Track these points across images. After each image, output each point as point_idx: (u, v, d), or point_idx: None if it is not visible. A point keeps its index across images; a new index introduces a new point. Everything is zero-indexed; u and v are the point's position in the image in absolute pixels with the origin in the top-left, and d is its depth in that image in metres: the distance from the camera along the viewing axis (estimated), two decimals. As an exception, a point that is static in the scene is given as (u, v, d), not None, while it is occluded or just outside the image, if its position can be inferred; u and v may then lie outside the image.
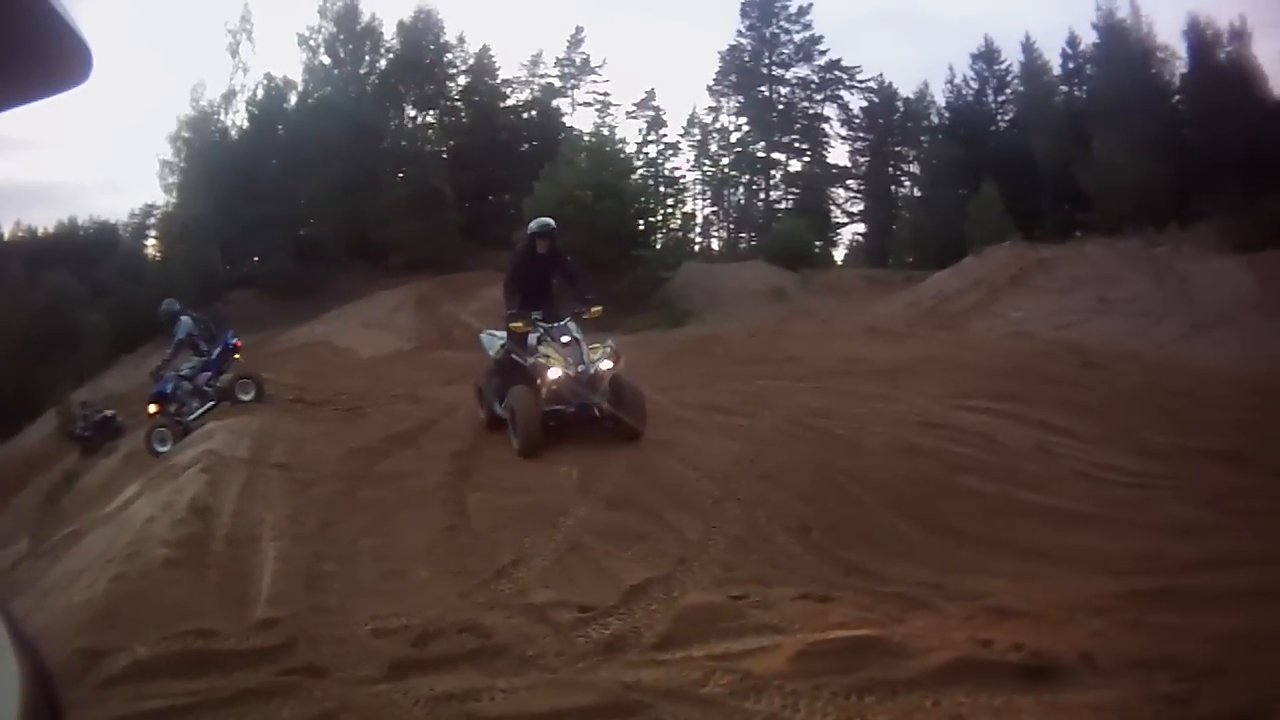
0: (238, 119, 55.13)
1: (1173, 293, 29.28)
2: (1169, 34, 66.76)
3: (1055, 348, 24.70)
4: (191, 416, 19.69)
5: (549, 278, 15.50)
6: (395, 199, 51.36)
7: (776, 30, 68.02)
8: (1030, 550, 10.08)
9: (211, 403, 20.26)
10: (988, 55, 63.55)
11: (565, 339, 14.21)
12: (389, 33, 58.54)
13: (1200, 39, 51.86)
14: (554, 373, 13.87)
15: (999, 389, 18.58)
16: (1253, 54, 51.01)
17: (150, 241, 59.94)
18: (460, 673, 6.78)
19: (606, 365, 14.13)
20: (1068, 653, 6.50)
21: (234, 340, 21.37)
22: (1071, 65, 60.18)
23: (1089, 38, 57.67)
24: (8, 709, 1.61)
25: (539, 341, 14.33)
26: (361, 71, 56.86)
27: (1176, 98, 53.10)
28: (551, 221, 15.63)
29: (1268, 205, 38.78)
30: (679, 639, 7.37)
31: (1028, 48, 60.68)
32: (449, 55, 60.55)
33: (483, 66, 61.48)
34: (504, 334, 15.22)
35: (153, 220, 59.93)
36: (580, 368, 13.91)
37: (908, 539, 10.87)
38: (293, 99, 56.43)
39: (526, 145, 59.16)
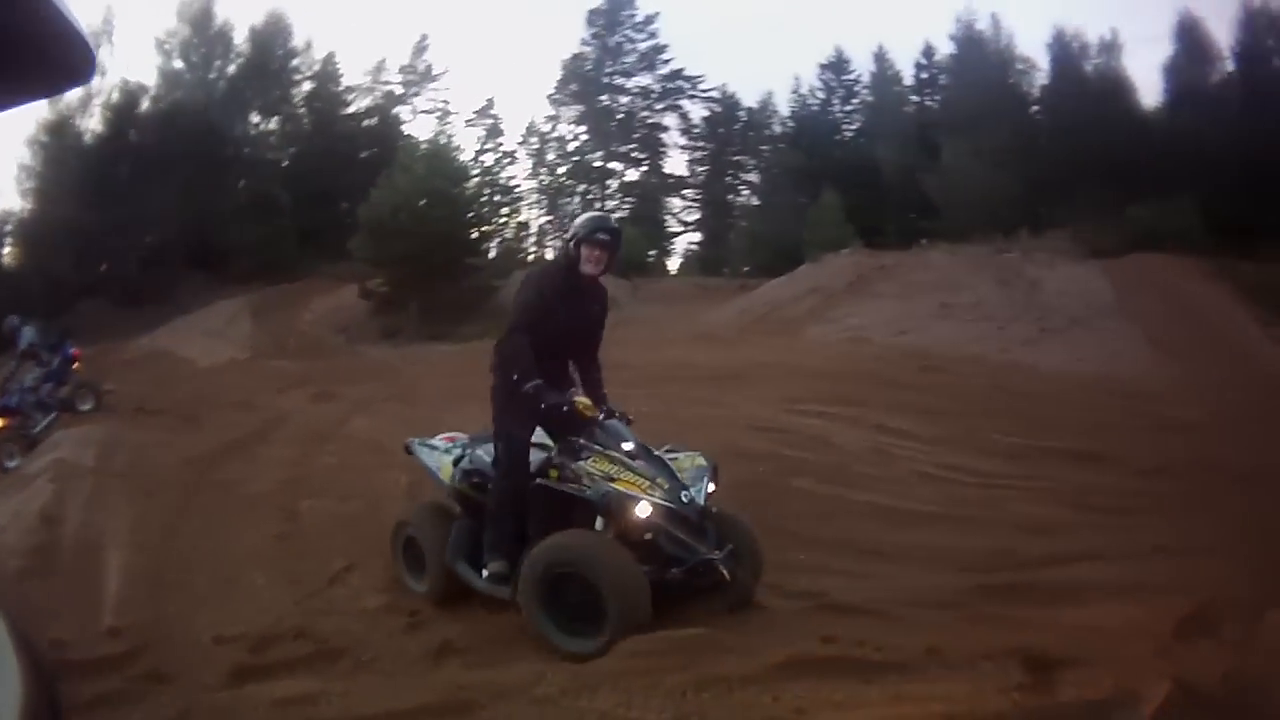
0: (93, 123, 53.20)
1: (1020, 298, 29.73)
2: (1032, 46, 67.85)
3: (893, 352, 24.93)
4: (36, 429, 19.34)
5: (588, 326, 8.85)
6: (236, 206, 50.55)
7: (621, 39, 67.97)
8: (870, 550, 9.85)
9: (54, 414, 19.91)
10: (837, 65, 63.86)
11: (628, 445, 8.04)
12: (240, 37, 57.03)
13: (1064, 51, 52.83)
14: (644, 509, 7.60)
15: (833, 393, 18.61)
16: (1122, 65, 52.09)
17: (6, 250, 58.47)
18: (298, 678, 6.90)
19: (711, 488, 8.16)
20: (912, 646, 6.49)
21: (72, 350, 21.07)
22: (925, 76, 61.18)
23: (946, 49, 58.62)
24: (8, 708, 1.65)
25: (576, 453, 8.10)
26: (211, 76, 55.15)
27: (1035, 108, 54.09)
28: (613, 220, 9.04)
29: (1127, 212, 39.89)
30: (513, 640, 7.50)
31: (879, 58, 61.48)
32: (295, 61, 59.46)
33: (327, 73, 60.59)
34: (451, 445, 9.55)
35: (9, 228, 58.43)
36: (685, 496, 7.76)
37: (740, 541, 10.71)
38: (146, 104, 54.59)
39: (365, 153, 57.91)
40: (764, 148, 64.75)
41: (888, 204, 51.44)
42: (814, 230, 44.28)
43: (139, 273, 46.33)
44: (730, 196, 68.61)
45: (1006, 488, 12.49)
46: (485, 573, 8.24)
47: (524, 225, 66.17)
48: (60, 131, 49.78)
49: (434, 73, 65.36)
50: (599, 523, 7.79)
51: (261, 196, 50.01)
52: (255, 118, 56.62)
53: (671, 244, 69.25)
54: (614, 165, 68.22)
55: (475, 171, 53.10)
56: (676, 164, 69.85)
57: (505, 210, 58.56)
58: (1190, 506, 11.09)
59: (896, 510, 11.39)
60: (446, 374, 24.87)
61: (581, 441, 8.07)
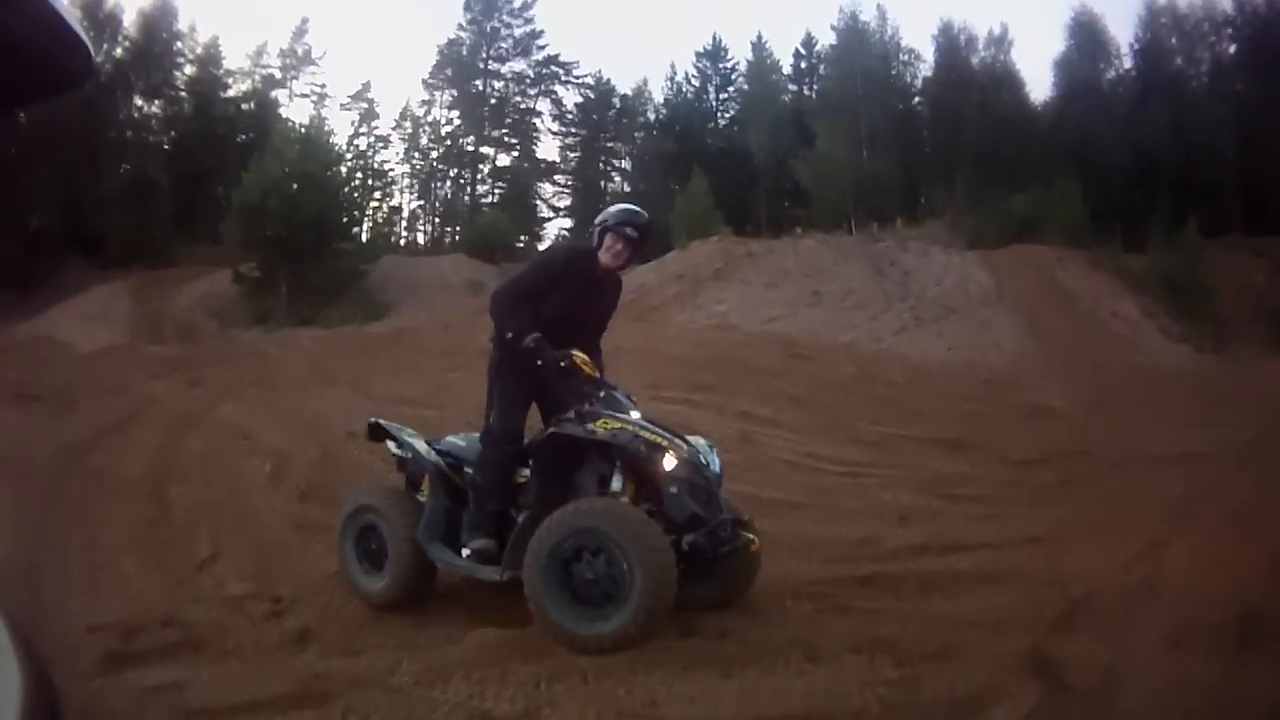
0: (-23, 104, 52.49)
1: (893, 287, 30.24)
2: (919, 39, 68.63)
3: (760, 339, 25.08)
4: None
5: (596, 315, 8.05)
6: (117, 189, 49.94)
7: (498, 24, 68.17)
8: (728, 540, 9.64)
9: None
10: (714, 53, 64.63)
11: (635, 414, 7.33)
12: (129, 20, 56.74)
13: (951, 43, 53.91)
14: (670, 460, 6.94)
15: (697, 380, 18.65)
16: (1010, 60, 53.25)
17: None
18: (166, 666, 6.73)
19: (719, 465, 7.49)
20: (775, 638, 6.35)
21: None
22: (804, 65, 62.13)
23: (828, 39, 58.90)
24: (8, 710, 1.62)
25: (582, 419, 7.27)
26: (98, 59, 53.99)
27: (917, 99, 55.19)
28: (645, 215, 8.07)
29: (1010, 202, 40.73)
30: (369, 628, 7.36)
31: (758, 46, 61.36)
32: (179, 44, 59.10)
33: (210, 56, 60.33)
34: (418, 437, 8.30)
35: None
36: (703, 458, 7.20)
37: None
38: (31, 86, 53.85)
39: (243, 136, 57.43)
40: (637, 134, 65.64)
41: (759, 191, 51.94)
42: (682, 216, 44.24)
43: (23, 256, 45.52)
44: (602, 182, 69.16)
45: (872, 477, 12.52)
46: (466, 551, 7.39)
47: (396, 209, 66.46)
48: (-56, 113, 49.05)
49: (313, 56, 65.46)
50: (616, 482, 7.03)
51: (141, 180, 49.71)
52: (138, 100, 56.36)
53: (542, 229, 69.80)
54: (486, 150, 68.63)
55: (348, 155, 53.12)
56: (549, 149, 72.17)
57: (377, 194, 58.66)
58: (1060, 495, 11.23)
59: (761, 499, 10.96)
60: (313, 359, 25.18)
61: (586, 408, 7.21)
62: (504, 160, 69.82)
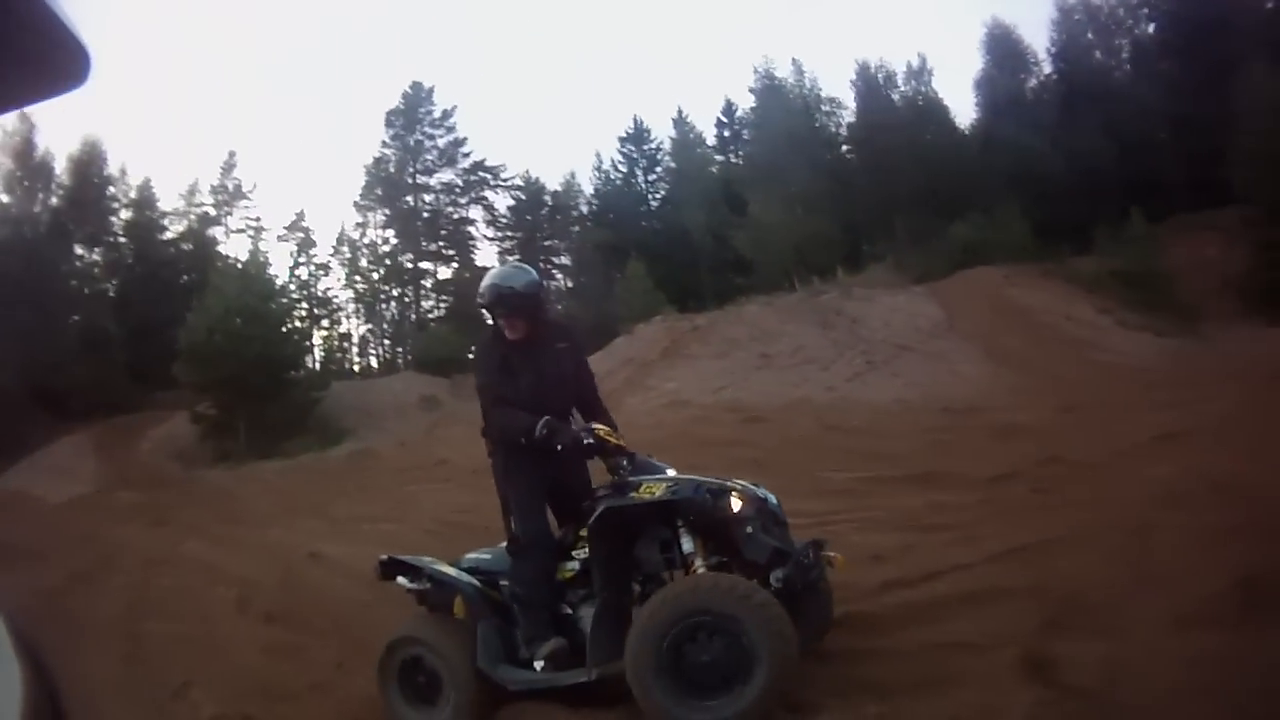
0: (-75, 262, 52.47)
1: (842, 336, 30.06)
2: (839, 86, 68.35)
3: (714, 411, 24.93)
4: None
5: (561, 369, 7.49)
6: (69, 342, 49.31)
7: (420, 137, 67.67)
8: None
9: None
10: (636, 136, 64.43)
11: (671, 472, 7.03)
12: (60, 167, 55.94)
13: (870, 85, 53.78)
14: (736, 503, 6.60)
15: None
16: (933, 90, 53.16)
17: None
18: None
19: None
20: None
21: None
22: (727, 134, 62.04)
23: (748, 103, 58.95)
24: (10, 710, 1.67)
25: (623, 490, 6.84)
26: (35, 210, 54.17)
27: (844, 147, 55.27)
28: (528, 272, 7.64)
29: (947, 233, 40.95)
30: None
31: (679, 122, 61.75)
32: (111, 189, 58.47)
33: (144, 199, 59.78)
34: (440, 562, 7.70)
35: None
36: (761, 493, 7.02)
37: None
38: (-25, 240, 54.14)
39: (185, 278, 56.65)
40: (573, 228, 65.84)
41: (700, 267, 51.89)
42: (625, 303, 44.63)
43: (-13, 415, 45.32)
44: (544, 281, 68.33)
45: (842, 523, 11.91)
46: (539, 663, 6.78)
47: (345, 336, 66.74)
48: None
49: (244, 190, 65.10)
50: (687, 543, 6.57)
51: (91, 330, 49.67)
52: (79, 249, 55.96)
53: (491, 337, 69.21)
54: (425, 265, 68.47)
55: (291, 286, 53.99)
56: (487, 256, 69.44)
57: (324, 322, 58.65)
58: (1035, 504, 10.96)
59: (729, 563, 11.10)
60: (274, 492, 25.26)
61: (619, 479, 6.78)
62: (445, 273, 69.65)
